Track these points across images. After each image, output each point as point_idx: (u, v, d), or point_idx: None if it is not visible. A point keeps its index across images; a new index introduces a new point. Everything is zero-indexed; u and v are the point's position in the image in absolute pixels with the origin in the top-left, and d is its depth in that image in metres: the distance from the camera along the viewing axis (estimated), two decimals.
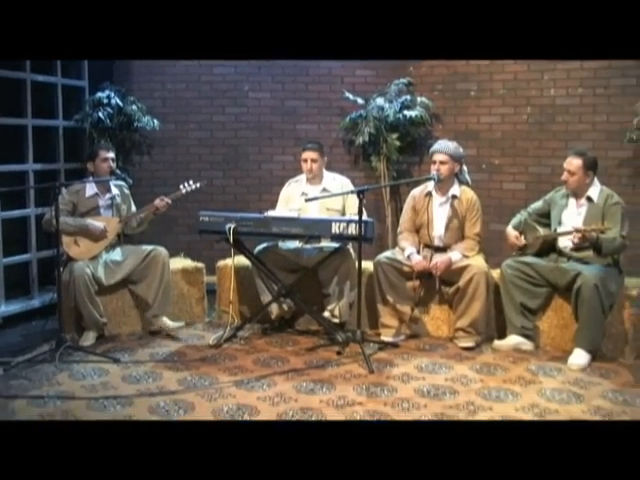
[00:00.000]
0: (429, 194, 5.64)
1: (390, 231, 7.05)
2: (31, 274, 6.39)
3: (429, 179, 5.57)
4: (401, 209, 6.03)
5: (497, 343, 5.35)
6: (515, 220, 5.57)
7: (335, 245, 5.50)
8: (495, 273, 5.46)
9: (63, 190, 5.44)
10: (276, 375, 4.77)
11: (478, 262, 5.39)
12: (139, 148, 7.18)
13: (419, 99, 7.09)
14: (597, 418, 4.07)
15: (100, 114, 6.64)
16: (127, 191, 5.86)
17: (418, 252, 5.57)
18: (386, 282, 5.48)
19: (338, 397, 4.38)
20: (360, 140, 7.05)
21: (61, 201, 5.19)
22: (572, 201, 5.32)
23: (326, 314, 5.65)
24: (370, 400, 4.35)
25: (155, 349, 5.32)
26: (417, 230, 5.70)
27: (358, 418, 4.06)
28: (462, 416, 4.10)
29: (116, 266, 5.55)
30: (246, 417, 4.07)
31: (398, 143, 7.00)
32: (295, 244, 5.71)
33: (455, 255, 5.43)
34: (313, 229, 5.27)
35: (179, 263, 6.07)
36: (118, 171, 5.73)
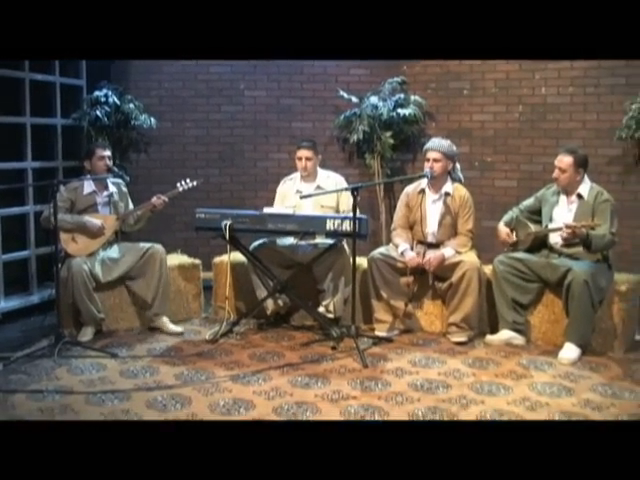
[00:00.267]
0: (422, 191, 5.70)
1: (384, 228, 7.10)
2: (30, 270, 6.43)
3: (422, 176, 5.63)
4: (395, 206, 6.09)
5: (489, 338, 5.41)
6: (507, 217, 5.63)
7: (330, 241, 5.55)
8: (487, 269, 5.52)
9: (61, 188, 5.50)
10: (272, 370, 4.82)
11: (470, 258, 5.46)
12: (136, 146, 7.21)
13: (413, 97, 7.14)
14: (587, 411, 4.14)
15: (98, 112, 6.66)
16: (124, 189, 5.90)
17: (411, 248, 5.62)
18: (380, 278, 5.54)
19: (333, 391, 4.43)
20: (354, 138, 7.10)
21: (59, 198, 5.23)
22: (563, 198, 5.38)
23: (321, 309, 5.70)
24: (364, 394, 4.40)
25: (152, 344, 5.37)
26: (410, 227, 5.76)
27: (352, 412, 4.11)
28: (455, 410, 4.16)
29: (113, 263, 5.59)
30: (242, 411, 4.12)
31: (392, 141, 7.05)
32: (290, 240, 5.75)
33: (448, 251, 5.50)
34: (308, 226, 5.32)
35: (176, 260, 6.11)
36: (115, 169, 5.76)
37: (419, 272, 5.55)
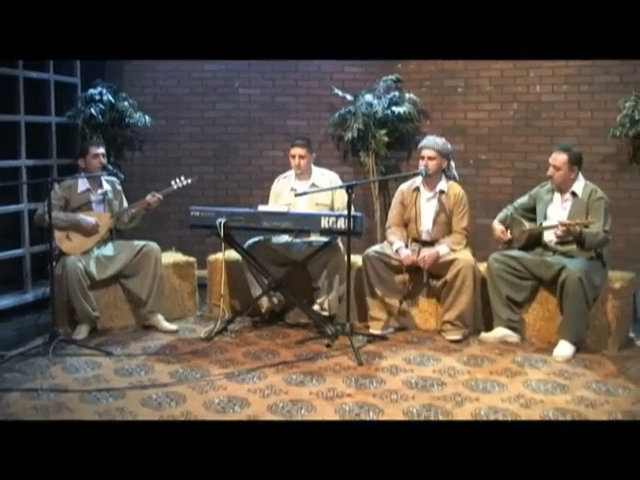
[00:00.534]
0: (417, 189, 5.70)
1: (379, 225, 7.11)
2: (24, 269, 6.43)
3: (417, 174, 5.64)
4: (389, 204, 6.09)
5: (484, 335, 5.42)
6: (501, 214, 5.64)
7: (324, 239, 5.56)
8: (482, 267, 5.53)
9: (55, 186, 5.48)
10: (266, 367, 4.82)
11: (465, 256, 5.47)
12: (131, 144, 7.22)
13: (407, 95, 7.15)
14: (581, 408, 4.15)
15: (92, 110, 6.67)
16: (119, 187, 5.89)
17: (406, 246, 5.63)
18: (375, 276, 5.55)
19: (328, 389, 4.43)
20: (349, 136, 7.10)
21: (53, 196, 5.22)
22: (557, 196, 5.39)
23: (316, 307, 5.71)
24: (359, 392, 4.41)
25: (147, 342, 5.37)
26: (405, 224, 5.77)
27: (347, 410, 4.11)
28: (449, 407, 4.16)
29: (108, 261, 5.59)
30: (237, 409, 4.12)
31: (386, 139, 7.05)
32: (285, 238, 5.76)
33: (443, 249, 5.50)
34: (303, 223, 5.32)
35: (170, 257, 6.11)
36: (110, 167, 5.75)
37: (414, 270, 5.56)
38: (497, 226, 5.58)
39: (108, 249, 5.66)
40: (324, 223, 5.23)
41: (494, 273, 5.36)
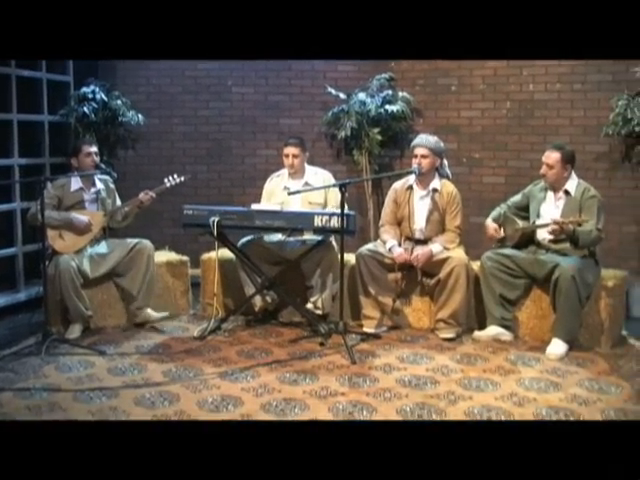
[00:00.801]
0: (410, 187, 5.71)
1: (372, 224, 7.12)
2: (17, 268, 6.42)
3: (410, 172, 5.64)
4: (383, 202, 6.08)
5: (477, 334, 5.43)
6: (495, 213, 5.64)
7: (318, 238, 5.55)
8: (475, 265, 5.54)
9: (48, 184, 5.47)
10: (260, 366, 4.82)
11: (458, 254, 5.47)
12: (124, 142, 7.21)
13: (400, 94, 7.15)
14: (574, 406, 4.16)
15: (85, 109, 6.66)
16: (112, 185, 5.88)
17: (399, 245, 5.63)
18: (368, 274, 5.55)
19: (321, 388, 4.43)
20: (342, 134, 7.10)
21: (46, 195, 5.20)
22: (550, 194, 5.40)
23: (309, 306, 5.71)
24: (352, 390, 4.41)
25: (140, 341, 5.36)
26: (398, 223, 5.77)
27: (341, 408, 4.11)
28: (443, 405, 4.17)
29: (101, 259, 5.58)
30: (230, 408, 4.11)
31: (380, 137, 7.06)
32: (278, 237, 5.76)
33: (436, 247, 5.51)
34: (296, 222, 5.32)
35: (164, 256, 6.11)
36: (103, 165, 5.75)
37: (407, 268, 5.56)
38: (490, 224, 5.58)
39: (101, 247, 5.65)
40: (317, 222, 5.22)
41: (487, 271, 5.37)
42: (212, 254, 5.81)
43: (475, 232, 6.22)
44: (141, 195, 5.64)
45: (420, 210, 5.66)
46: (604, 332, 5.21)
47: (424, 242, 5.64)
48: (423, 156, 5.54)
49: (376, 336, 5.47)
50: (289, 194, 5.46)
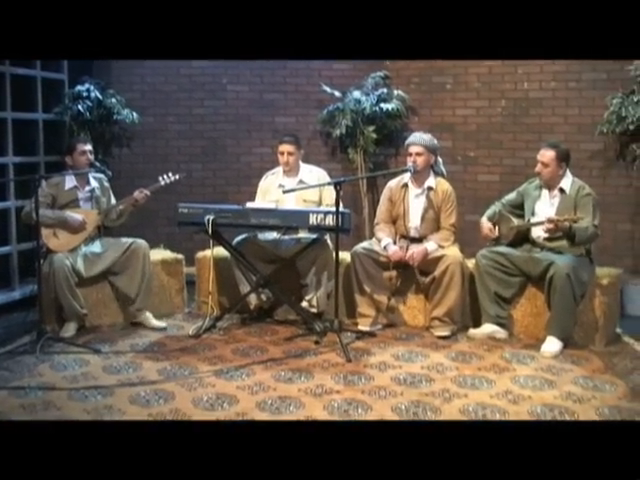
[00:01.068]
0: (405, 186, 5.71)
1: (367, 222, 7.12)
2: (11, 266, 6.41)
3: (405, 171, 5.64)
4: (378, 200, 6.09)
5: (472, 332, 5.44)
6: (489, 211, 5.65)
7: (313, 236, 5.55)
8: (470, 263, 5.54)
9: (43, 183, 5.45)
10: (255, 364, 4.82)
11: (453, 252, 5.48)
12: (119, 141, 7.20)
13: (395, 92, 7.16)
14: (568, 403, 4.16)
15: (80, 107, 6.66)
16: (106, 184, 5.87)
17: (394, 243, 5.64)
18: (363, 272, 5.55)
19: (316, 386, 4.43)
20: (337, 132, 7.11)
21: (40, 194, 5.20)
22: (545, 192, 5.41)
23: (304, 304, 5.71)
24: (347, 388, 4.40)
25: (135, 340, 5.36)
26: (393, 221, 5.77)
27: (336, 406, 4.11)
28: (438, 403, 4.17)
29: (96, 258, 5.57)
30: (225, 406, 4.11)
31: (375, 135, 7.06)
32: (273, 235, 5.75)
33: (431, 245, 5.51)
34: (291, 220, 5.32)
35: (159, 254, 6.10)
36: (97, 163, 5.75)
37: (402, 266, 5.56)
38: (485, 223, 5.59)
39: (96, 246, 5.64)
40: (312, 220, 5.22)
41: (482, 269, 5.37)
42: (207, 252, 5.82)
43: (470, 230, 6.22)
44: (136, 193, 5.63)
45: (415, 208, 5.67)
46: (599, 330, 5.22)
47: (419, 240, 5.64)
48: (418, 154, 5.54)
49: (371, 334, 5.47)
50: (284, 192, 5.46)
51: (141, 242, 5.67)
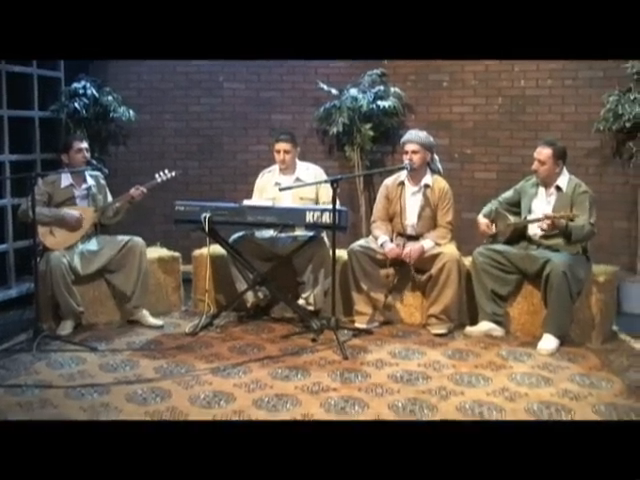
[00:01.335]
0: (402, 183, 5.71)
1: (364, 220, 7.12)
2: (8, 264, 6.39)
3: (402, 168, 5.64)
4: (375, 198, 6.08)
5: (469, 329, 5.44)
6: (486, 209, 5.65)
7: (309, 234, 5.55)
8: (467, 261, 5.54)
9: (39, 181, 5.44)
10: (252, 362, 4.82)
11: (450, 250, 5.48)
12: (115, 138, 7.20)
13: (392, 90, 7.15)
14: (565, 401, 4.17)
15: (76, 105, 6.65)
16: (103, 181, 5.86)
17: (391, 240, 5.64)
18: (360, 270, 5.55)
19: (313, 383, 4.43)
20: (334, 130, 7.09)
21: (37, 192, 5.18)
22: (542, 190, 5.41)
23: (301, 302, 5.71)
24: (344, 386, 4.41)
25: (132, 338, 5.35)
26: (390, 219, 5.77)
27: (332, 404, 4.11)
28: (434, 401, 4.17)
29: (92, 256, 5.56)
30: (222, 404, 4.11)
31: (371, 133, 7.05)
32: (270, 233, 5.75)
33: (427, 243, 5.51)
34: (287, 218, 5.32)
35: (155, 252, 6.09)
36: (94, 161, 5.73)
37: (399, 264, 5.57)
38: (482, 220, 5.59)
39: (92, 244, 5.63)
40: (309, 217, 5.22)
41: (479, 267, 5.37)
42: (204, 250, 5.81)
43: (467, 228, 6.23)
44: (132, 190, 5.62)
45: (412, 206, 5.67)
46: (595, 327, 5.23)
47: (416, 238, 5.64)
48: (414, 152, 5.54)
49: (368, 332, 5.48)
50: (280, 190, 5.46)
51: (137, 240, 5.66)
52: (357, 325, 5.56)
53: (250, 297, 5.78)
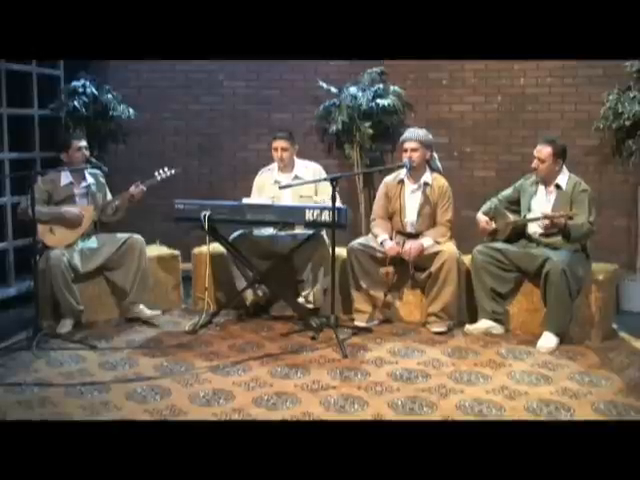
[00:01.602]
0: (401, 181, 5.71)
1: (363, 218, 7.11)
2: (7, 262, 6.39)
3: (402, 167, 5.64)
4: (374, 196, 6.09)
5: (468, 327, 5.44)
6: (485, 207, 5.66)
7: (309, 232, 5.55)
8: (466, 259, 5.55)
9: (38, 179, 5.46)
10: (251, 360, 4.82)
11: (449, 248, 5.47)
12: (115, 137, 7.16)
13: (392, 88, 7.12)
14: (565, 399, 4.17)
15: (76, 103, 6.64)
16: (102, 179, 5.86)
17: (391, 238, 5.64)
18: (359, 268, 5.55)
19: (312, 381, 4.44)
20: (334, 128, 7.08)
21: (36, 190, 5.19)
22: (541, 188, 5.41)
23: (300, 300, 5.71)
24: (344, 384, 4.41)
25: (131, 336, 5.36)
26: (390, 217, 5.78)
27: (332, 402, 4.12)
28: (434, 399, 4.17)
29: (92, 253, 5.56)
30: (222, 402, 4.12)
31: (371, 131, 7.02)
32: (269, 231, 5.75)
33: (427, 241, 5.51)
34: (287, 216, 5.32)
35: (155, 250, 6.11)
36: (93, 159, 5.73)
37: (398, 262, 5.57)
38: (481, 218, 5.60)
39: (92, 242, 5.63)
40: (309, 216, 5.22)
41: (478, 265, 5.38)
42: (203, 248, 5.82)
43: (466, 226, 6.21)
44: (132, 188, 5.62)
45: (411, 204, 5.67)
46: (595, 325, 5.24)
47: (415, 236, 5.64)
48: (413, 150, 5.54)
49: (367, 330, 5.48)
50: (280, 188, 5.46)
51: (137, 237, 5.66)
52: (357, 323, 5.56)
53: (250, 295, 5.78)
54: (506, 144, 6.93)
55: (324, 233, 5.62)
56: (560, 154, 5.28)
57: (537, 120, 6.78)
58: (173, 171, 5.69)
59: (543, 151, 5.27)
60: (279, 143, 5.78)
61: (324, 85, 7.17)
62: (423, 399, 4.18)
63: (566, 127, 6.63)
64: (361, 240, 5.71)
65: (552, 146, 5.27)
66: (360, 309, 5.60)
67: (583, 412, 4.00)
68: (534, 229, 5.35)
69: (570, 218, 5.06)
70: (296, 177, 5.79)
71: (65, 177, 5.61)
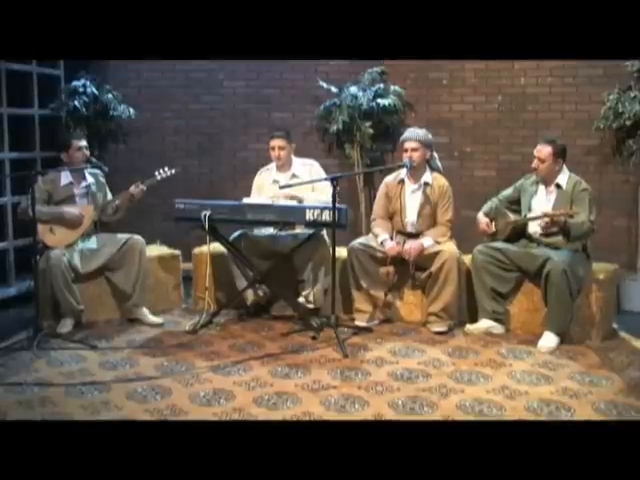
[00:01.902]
0: (402, 181, 5.71)
1: (364, 218, 7.11)
2: (8, 262, 6.39)
3: (402, 166, 5.64)
4: (374, 196, 6.09)
5: (469, 327, 5.44)
6: (486, 207, 5.66)
7: (309, 231, 5.55)
8: (466, 259, 5.55)
9: (39, 179, 5.45)
10: (252, 360, 4.82)
11: (450, 248, 5.47)
12: (115, 136, 7.16)
13: (392, 87, 7.13)
14: (565, 399, 4.17)
15: (76, 103, 6.64)
16: (102, 179, 5.85)
17: (391, 238, 5.64)
18: (360, 268, 5.55)
19: (313, 381, 4.44)
20: (334, 128, 7.08)
21: (36, 190, 5.18)
22: (542, 188, 5.41)
23: (301, 300, 5.71)
24: (344, 384, 4.41)
25: (132, 335, 5.36)
26: (390, 217, 5.77)
27: (332, 402, 4.11)
28: (434, 399, 4.17)
29: (92, 254, 5.56)
30: (222, 402, 4.11)
31: (371, 131, 7.02)
32: (270, 231, 5.75)
33: (427, 241, 5.51)
34: (287, 216, 5.32)
35: (155, 250, 6.10)
36: (93, 159, 5.72)
37: (399, 262, 5.57)
38: (482, 218, 5.60)
39: (92, 242, 5.62)
40: (309, 215, 5.22)
41: (479, 265, 5.38)
42: (204, 248, 5.81)
43: (466, 226, 6.21)
44: (132, 188, 5.62)
45: (412, 204, 5.67)
46: (595, 325, 5.24)
47: (416, 236, 5.64)
48: (413, 149, 5.54)
49: (368, 329, 5.48)
50: (280, 188, 5.45)
51: (137, 238, 5.66)
52: (357, 323, 5.56)
53: (250, 295, 5.78)
54: (506, 144, 6.93)
55: (324, 233, 5.62)
56: (560, 154, 5.28)
57: (537, 120, 6.78)
58: (173, 171, 5.68)
59: (543, 151, 5.27)
60: (276, 142, 5.78)
61: (324, 85, 7.17)
62: (423, 399, 4.18)
63: (566, 127, 6.63)
64: (361, 240, 5.71)
65: (552, 146, 5.27)
66: (360, 309, 5.60)
67: (583, 412, 4.00)
68: (534, 229, 5.35)
69: (570, 216, 5.06)
70: (294, 175, 5.79)
71: (65, 177, 5.61)
